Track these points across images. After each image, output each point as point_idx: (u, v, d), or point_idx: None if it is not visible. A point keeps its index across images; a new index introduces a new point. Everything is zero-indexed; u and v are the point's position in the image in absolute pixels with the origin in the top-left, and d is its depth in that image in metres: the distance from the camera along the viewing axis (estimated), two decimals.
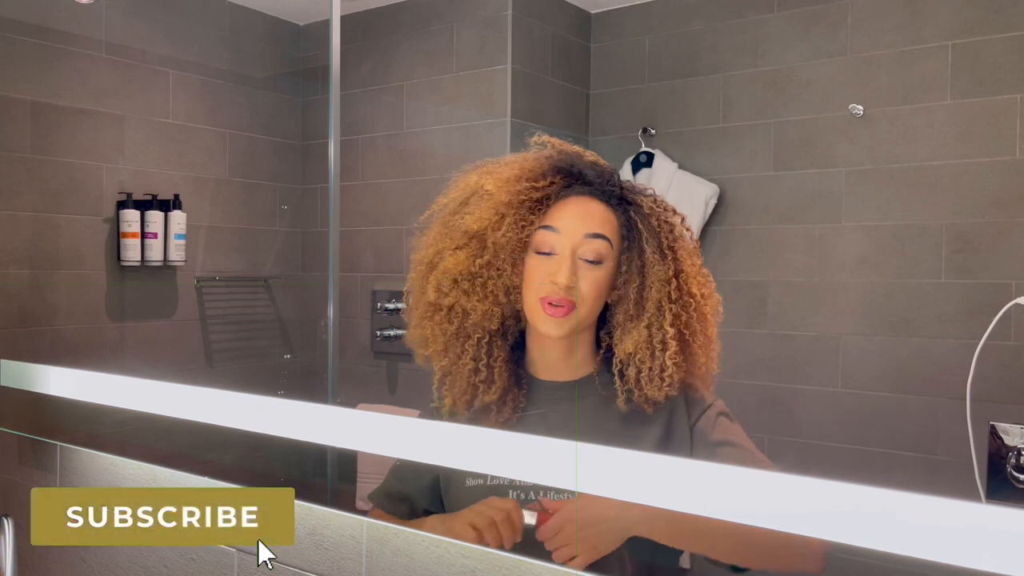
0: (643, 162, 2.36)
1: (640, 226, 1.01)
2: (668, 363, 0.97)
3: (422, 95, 2.46)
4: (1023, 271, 1.88)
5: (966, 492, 1.57)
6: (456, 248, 1.03)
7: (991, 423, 1.60)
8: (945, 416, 1.89)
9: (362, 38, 2.54)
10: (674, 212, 1.03)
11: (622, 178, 1.06)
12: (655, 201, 1.03)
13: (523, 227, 1.01)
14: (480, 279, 1.02)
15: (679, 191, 2.28)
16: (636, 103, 2.42)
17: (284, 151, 2.64)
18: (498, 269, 1.02)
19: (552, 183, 1.03)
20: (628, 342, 0.98)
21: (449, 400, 1.04)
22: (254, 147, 2.56)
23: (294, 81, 2.68)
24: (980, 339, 1.61)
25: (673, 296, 0.98)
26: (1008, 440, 1.57)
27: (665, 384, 0.97)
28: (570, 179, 1.04)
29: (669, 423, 1.00)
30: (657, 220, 1.01)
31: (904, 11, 2.03)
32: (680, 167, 2.32)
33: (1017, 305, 1.84)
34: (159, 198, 2.26)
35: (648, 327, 0.98)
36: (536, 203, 1.02)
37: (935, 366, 1.96)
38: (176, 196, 2.29)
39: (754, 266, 2.23)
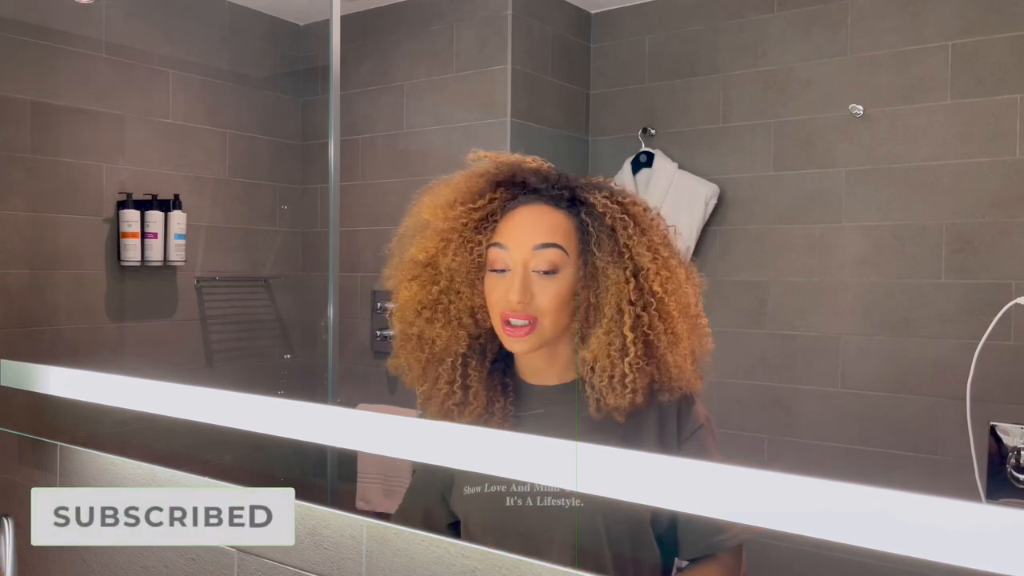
0: (643, 162, 2.36)
1: (591, 228, 0.97)
2: (627, 370, 0.93)
3: (422, 95, 2.46)
4: (1023, 271, 1.88)
5: (966, 492, 1.57)
6: (411, 279, 1.02)
7: (991, 423, 1.60)
8: (945, 416, 1.89)
9: (362, 38, 2.54)
10: (634, 203, 0.99)
11: (605, 179, 1.03)
12: (610, 196, 0.99)
13: (472, 248, 0.99)
14: (441, 305, 1.00)
15: (679, 191, 2.28)
16: (636, 103, 2.42)
17: (284, 151, 2.64)
18: (456, 293, 1.00)
19: (493, 199, 1.00)
20: (588, 350, 0.96)
21: None
22: (254, 147, 2.56)
23: (294, 81, 2.68)
24: (980, 339, 1.61)
25: (633, 298, 0.94)
26: (1008, 440, 1.57)
27: (627, 391, 0.94)
28: (514, 190, 1.01)
29: (659, 434, 0.98)
30: (612, 218, 0.97)
31: (904, 11, 2.03)
32: (680, 167, 2.32)
33: (1017, 305, 1.84)
34: (159, 198, 2.26)
35: (607, 333, 0.94)
36: (480, 222, 1.00)
37: (935, 366, 1.96)
38: (176, 196, 2.29)
39: (754, 266, 2.23)
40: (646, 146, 2.38)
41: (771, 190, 2.21)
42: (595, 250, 0.96)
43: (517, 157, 1.04)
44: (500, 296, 0.96)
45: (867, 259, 2.07)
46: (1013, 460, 1.54)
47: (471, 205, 1.00)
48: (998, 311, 1.79)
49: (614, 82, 2.47)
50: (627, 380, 0.94)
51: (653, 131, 2.38)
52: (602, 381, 0.95)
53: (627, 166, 2.37)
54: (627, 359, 0.94)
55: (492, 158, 1.04)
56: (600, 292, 0.96)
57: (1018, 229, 1.89)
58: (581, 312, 0.97)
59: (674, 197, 2.26)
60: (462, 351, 1.01)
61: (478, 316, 1.01)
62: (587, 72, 2.50)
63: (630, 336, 0.94)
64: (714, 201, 2.25)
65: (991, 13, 1.93)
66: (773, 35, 2.21)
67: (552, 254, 0.96)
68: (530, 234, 0.97)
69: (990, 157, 1.92)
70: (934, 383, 1.95)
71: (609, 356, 0.94)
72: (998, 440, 1.58)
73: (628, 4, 2.43)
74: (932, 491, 0.62)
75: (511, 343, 0.97)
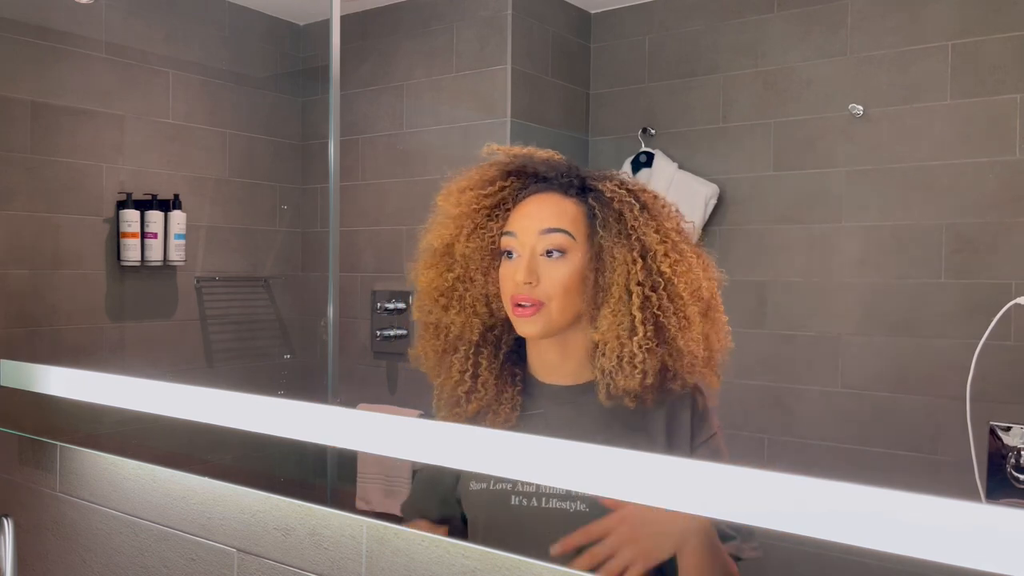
0: (643, 162, 2.36)
1: (599, 212, 0.99)
2: (636, 350, 0.94)
3: (422, 95, 2.46)
4: (1023, 271, 1.88)
5: (966, 492, 1.57)
6: (427, 267, 1.05)
7: (991, 423, 1.60)
8: (945, 416, 1.89)
9: (362, 38, 2.54)
10: (643, 191, 1.01)
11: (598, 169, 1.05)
12: (620, 184, 1.01)
13: (484, 235, 1.02)
14: (456, 292, 1.03)
15: (679, 191, 2.28)
16: (636, 103, 2.42)
17: (284, 151, 2.64)
18: (471, 280, 1.02)
19: (504, 187, 1.03)
20: (598, 332, 0.97)
21: (441, 415, 1.05)
22: (254, 147, 2.56)
23: (294, 81, 2.68)
24: (980, 339, 1.61)
25: (640, 279, 0.96)
26: (1008, 440, 1.57)
27: (637, 371, 0.94)
28: (525, 180, 1.04)
29: (671, 438, 0.99)
30: (619, 202, 0.99)
31: (904, 11, 2.03)
32: (680, 167, 2.32)
33: (1017, 305, 1.84)
34: (159, 198, 2.26)
35: (615, 313, 0.96)
36: (492, 210, 1.02)
37: (935, 366, 1.96)
38: (176, 196, 2.29)
39: (754, 266, 2.23)
40: (646, 146, 2.37)
41: (771, 190, 2.21)
42: (601, 231, 0.98)
43: (529, 149, 1.06)
44: (509, 279, 0.99)
45: (867, 259, 2.07)
46: (1013, 460, 1.54)
47: (481, 191, 1.03)
48: (998, 311, 1.79)
49: (614, 82, 2.47)
50: (636, 360, 0.94)
51: (653, 131, 2.38)
52: (611, 362, 0.95)
53: (627, 166, 2.37)
54: (636, 339, 0.94)
55: (505, 151, 1.07)
56: (607, 273, 0.97)
57: (1018, 229, 1.89)
58: (590, 295, 0.98)
59: (674, 197, 2.24)
60: (475, 339, 1.03)
61: (493, 305, 1.02)
62: (587, 72, 2.50)
63: (638, 316, 0.95)
64: (714, 201, 2.25)
65: (991, 13, 1.93)
66: (773, 35, 2.21)
67: (557, 238, 0.98)
68: (537, 220, 1.00)
69: (990, 157, 1.92)
70: (934, 383, 1.95)
71: (618, 336, 0.95)
72: (998, 440, 1.58)
73: (628, 4, 2.43)
74: (932, 491, 0.62)
75: (520, 324, 0.99)
